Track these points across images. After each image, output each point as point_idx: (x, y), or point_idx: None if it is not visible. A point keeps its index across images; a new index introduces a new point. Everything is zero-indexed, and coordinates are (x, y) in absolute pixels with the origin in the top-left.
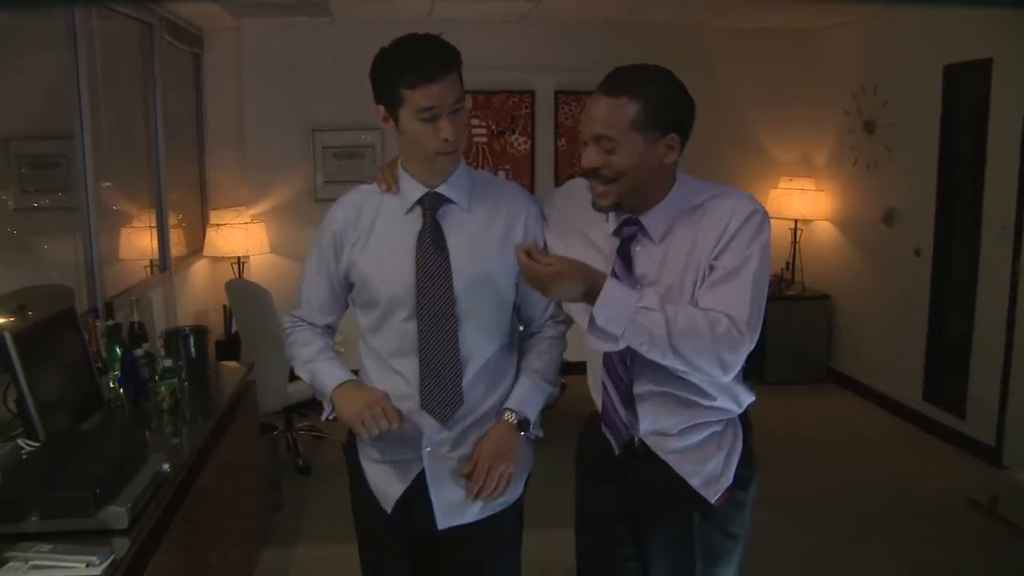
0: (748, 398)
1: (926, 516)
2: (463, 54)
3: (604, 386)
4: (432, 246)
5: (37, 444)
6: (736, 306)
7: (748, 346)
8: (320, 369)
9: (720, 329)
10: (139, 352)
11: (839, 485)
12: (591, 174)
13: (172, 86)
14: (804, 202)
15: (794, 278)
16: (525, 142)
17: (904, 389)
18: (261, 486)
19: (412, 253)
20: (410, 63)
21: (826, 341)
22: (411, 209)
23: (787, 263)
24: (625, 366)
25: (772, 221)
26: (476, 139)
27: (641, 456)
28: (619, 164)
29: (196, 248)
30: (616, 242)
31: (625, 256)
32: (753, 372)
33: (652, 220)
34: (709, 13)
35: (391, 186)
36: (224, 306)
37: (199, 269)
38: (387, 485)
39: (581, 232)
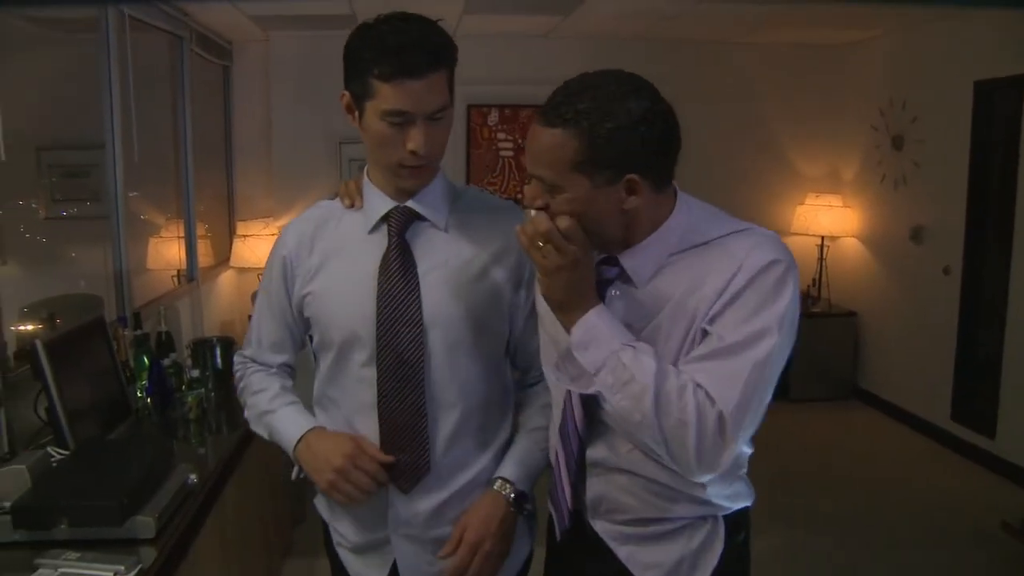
0: (744, 501)
1: (956, 537)
2: (490, 68)
3: (556, 452)
4: (399, 272)
5: (66, 452)
6: (725, 392)
7: (729, 449)
8: (277, 421)
9: (710, 412)
10: (166, 362)
11: (865, 505)
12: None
13: (201, 98)
14: (831, 218)
15: (820, 295)
16: None
17: (932, 408)
18: (285, 497)
19: (374, 281)
20: (388, 48)
21: (852, 359)
22: (376, 228)
23: (813, 280)
24: (577, 433)
25: (799, 238)
26: (503, 153)
27: (591, 545)
28: (562, 208)
29: (223, 259)
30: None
31: None
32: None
33: (633, 261)
34: (737, 29)
35: (355, 201)
36: (250, 316)
37: (226, 280)
38: (367, 574)
39: None
